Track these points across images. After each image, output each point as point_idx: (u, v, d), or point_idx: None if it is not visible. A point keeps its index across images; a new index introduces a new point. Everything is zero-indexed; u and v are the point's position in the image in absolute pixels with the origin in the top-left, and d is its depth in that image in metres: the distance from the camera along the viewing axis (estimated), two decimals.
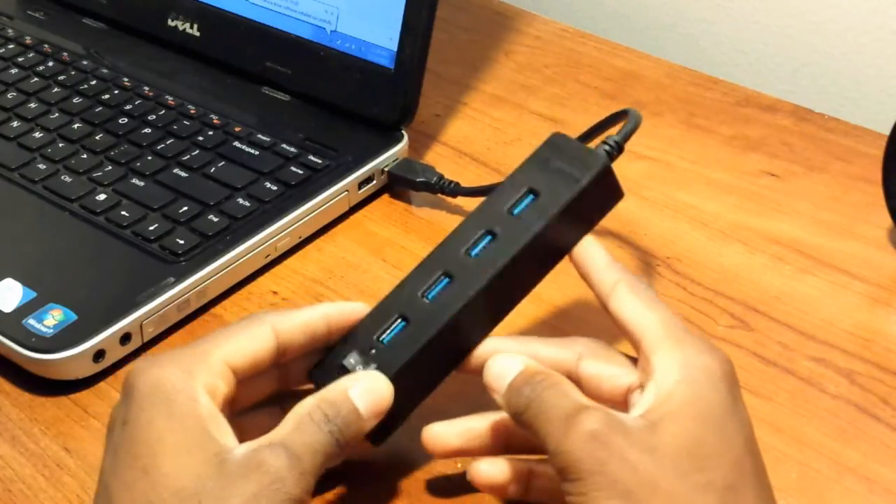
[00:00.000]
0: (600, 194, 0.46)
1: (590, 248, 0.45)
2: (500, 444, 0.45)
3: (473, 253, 0.45)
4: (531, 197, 0.45)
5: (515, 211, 0.45)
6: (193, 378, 0.40)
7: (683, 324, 0.42)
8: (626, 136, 0.47)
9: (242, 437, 0.40)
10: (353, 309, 0.44)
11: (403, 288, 0.45)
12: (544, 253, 0.45)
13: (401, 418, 0.44)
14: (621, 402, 0.43)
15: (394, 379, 0.42)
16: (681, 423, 0.38)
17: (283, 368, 0.45)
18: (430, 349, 0.43)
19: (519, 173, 0.46)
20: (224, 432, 0.39)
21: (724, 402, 0.39)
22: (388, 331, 0.44)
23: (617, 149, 0.47)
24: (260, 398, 0.45)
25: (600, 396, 0.43)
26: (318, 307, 0.44)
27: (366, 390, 0.41)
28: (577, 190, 0.45)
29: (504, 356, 0.42)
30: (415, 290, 0.44)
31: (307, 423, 0.39)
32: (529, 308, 0.56)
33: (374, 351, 0.43)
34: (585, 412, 0.38)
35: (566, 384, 0.41)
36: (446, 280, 0.44)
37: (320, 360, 0.45)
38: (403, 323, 0.44)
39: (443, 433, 0.45)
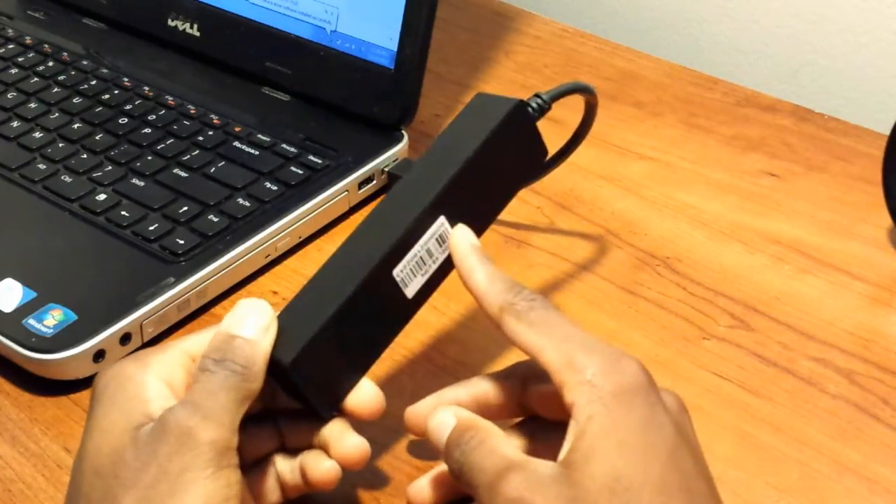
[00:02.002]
0: (519, 144, 0.46)
1: (469, 264, 0.43)
2: None
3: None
4: (446, 148, 0.46)
5: (431, 162, 0.46)
6: (147, 368, 0.40)
7: (581, 335, 0.40)
8: (555, 97, 0.49)
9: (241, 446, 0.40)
10: None
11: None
12: (469, 201, 0.45)
13: (344, 380, 0.43)
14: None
15: (289, 312, 0.43)
16: (599, 461, 0.37)
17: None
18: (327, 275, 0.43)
19: (441, 135, 0.47)
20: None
21: (640, 420, 0.38)
22: None
23: (544, 104, 0.48)
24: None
25: (551, 412, 0.43)
26: None
27: (239, 315, 0.41)
28: (485, 134, 0.45)
29: (439, 411, 0.42)
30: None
31: (200, 375, 0.39)
32: None
33: None
34: (506, 477, 0.38)
35: (493, 438, 0.40)
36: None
37: None
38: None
39: (425, 487, 0.44)
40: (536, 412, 0.44)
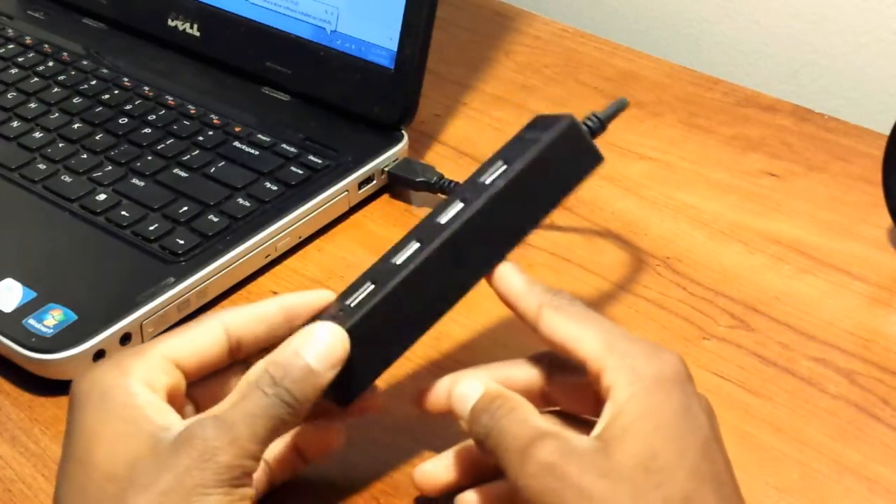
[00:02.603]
0: (572, 156, 0.46)
1: (506, 274, 0.44)
2: (487, 469, 0.44)
3: (444, 219, 0.44)
4: (502, 165, 0.45)
5: (485, 179, 0.45)
6: (128, 373, 0.40)
7: (621, 329, 0.41)
8: (610, 116, 0.48)
9: None
10: (318, 297, 0.44)
11: (379, 260, 0.45)
12: (516, 213, 0.45)
13: (368, 377, 0.43)
14: (598, 410, 0.42)
15: (351, 331, 0.41)
16: (635, 438, 0.37)
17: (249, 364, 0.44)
18: (392, 302, 0.42)
19: (498, 151, 0.47)
20: (167, 417, 0.39)
21: (677, 408, 0.38)
22: (357, 295, 0.43)
23: (599, 124, 0.47)
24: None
25: (576, 406, 0.43)
26: (274, 299, 0.43)
27: (316, 342, 0.40)
28: (538, 149, 0.45)
29: (466, 381, 0.42)
30: (387, 258, 0.44)
31: (251, 391, 0.39)
32: None
33: (341, 313, 0.43)
34: (539, 443, 0.38)
35: (524, 408, 0.40)
36: (417, 245, 0.44)
37: None
38: (372, 286, 0.43)
39: (433, 471, 0.45)
40: (558, 404, 0.44)
